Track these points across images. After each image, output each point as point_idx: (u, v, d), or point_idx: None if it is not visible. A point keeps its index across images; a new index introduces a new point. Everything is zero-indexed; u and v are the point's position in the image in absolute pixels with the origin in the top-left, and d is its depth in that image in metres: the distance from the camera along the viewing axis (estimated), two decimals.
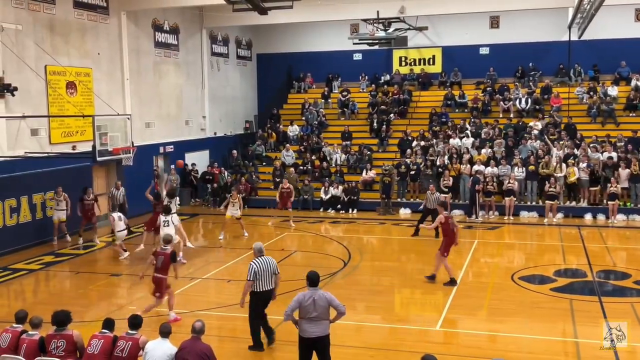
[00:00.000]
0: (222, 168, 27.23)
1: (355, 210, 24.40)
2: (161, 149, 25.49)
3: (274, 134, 29.94)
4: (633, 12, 28.68)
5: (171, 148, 25.98)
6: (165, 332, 8.33)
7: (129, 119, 19.90)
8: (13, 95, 18.16)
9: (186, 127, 27.57)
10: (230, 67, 31.48)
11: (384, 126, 28.45)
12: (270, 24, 29.11)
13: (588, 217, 22.45)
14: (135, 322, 8.46)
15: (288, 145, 28.52)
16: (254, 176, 26.82)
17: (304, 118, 30.38)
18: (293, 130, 29.69)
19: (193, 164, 26.86)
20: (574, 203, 23.10)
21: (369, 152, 26.88)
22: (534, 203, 23.27)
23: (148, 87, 24.85)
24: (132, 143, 19.50)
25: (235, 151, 28.95)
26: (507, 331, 11.86)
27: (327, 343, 9.17)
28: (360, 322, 12.31)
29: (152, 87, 25.11)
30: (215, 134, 29.55)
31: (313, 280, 9.19)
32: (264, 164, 28.48)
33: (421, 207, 20.79)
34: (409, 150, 25.99)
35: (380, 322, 12.47)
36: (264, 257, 10.73)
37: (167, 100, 26.13)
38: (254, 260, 10.68)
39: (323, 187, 24.90)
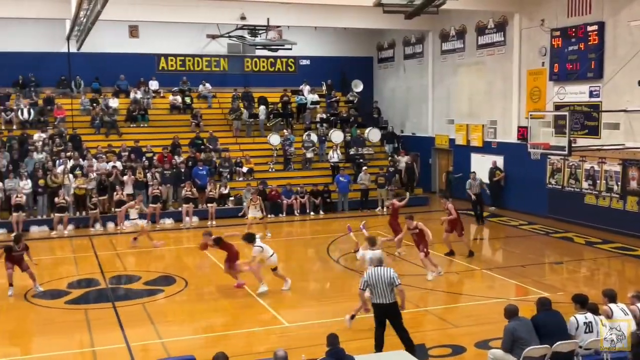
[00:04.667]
0: None
1: None
2: None
3: None
4: (127, 29, 30.40)
5: None
6: None
7: None
8: None
9: None
10: None
11: None
12: None
13: (98, 225, 22.98)
14: None
15: None
16: None
17: None
18: None
19: None
20: (84, 214, 23.41)
21: None
22: (44, 216, 22.84)
23: None
24: None
25: None
26: (22, 353, 11.53)
27: None
28: None
29: None
30: None
31: None
32: None
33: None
34: None
35: None
36: (380, 267, 10.43)
37: None
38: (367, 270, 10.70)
39: None
